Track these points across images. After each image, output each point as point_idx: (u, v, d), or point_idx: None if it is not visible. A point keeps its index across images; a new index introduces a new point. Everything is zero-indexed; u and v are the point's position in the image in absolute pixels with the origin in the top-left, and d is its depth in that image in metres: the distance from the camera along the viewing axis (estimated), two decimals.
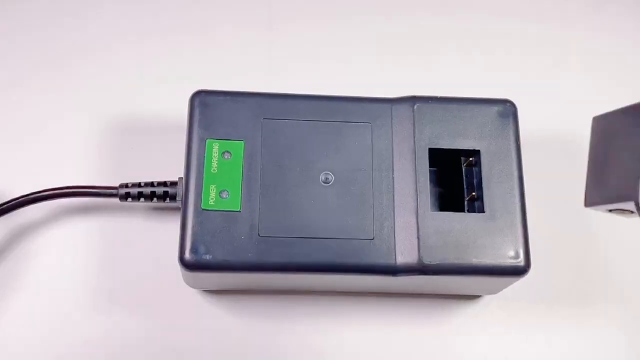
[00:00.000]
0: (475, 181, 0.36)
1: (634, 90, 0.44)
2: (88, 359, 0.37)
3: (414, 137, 0.36)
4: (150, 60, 0.43)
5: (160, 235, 0.39)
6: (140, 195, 0.37)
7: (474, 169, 0.36)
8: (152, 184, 0.37)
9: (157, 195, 0.37)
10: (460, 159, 0.37)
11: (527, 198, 0.35)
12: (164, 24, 0.44)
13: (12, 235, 0.39)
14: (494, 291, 0.38)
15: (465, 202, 0.36)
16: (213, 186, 0.34)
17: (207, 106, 0.36)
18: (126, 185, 0.37)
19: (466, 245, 0.34)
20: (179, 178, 0.36)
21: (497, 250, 0.34)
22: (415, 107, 0.36)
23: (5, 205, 0.37)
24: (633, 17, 0.46)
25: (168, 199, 0.37)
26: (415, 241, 0.34)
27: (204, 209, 0.34)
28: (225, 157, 0.35)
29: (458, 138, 0.36)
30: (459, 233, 0.34)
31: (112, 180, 0.38)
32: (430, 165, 0.36)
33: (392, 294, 0.39)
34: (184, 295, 0.38)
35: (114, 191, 0.37)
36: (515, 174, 0.36)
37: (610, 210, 0.26)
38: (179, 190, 0.36)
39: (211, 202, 0.34)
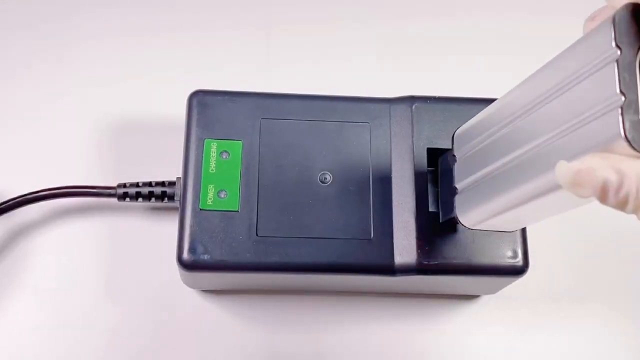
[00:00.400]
0: None
1: None
2: (87, 357, 0.37)
3: (413, 137, 0.36)
4: (149, 61, 0.43)
5: (158, 235, 0.39)
6: (138, 195, 0.37)
7: None
8: (150, 184, 0.37)
9: (155, 195, 0.37)
10: None
11: None
12: (162, 24, 0.44)
13: (10, 235, 0.39)
14: (492, 291, 0.38)
15: None
16: (211, 186, 0.34)
17: (205, 106, 0.36)
18: (124, 185, 0.37)
19: (464, 245, 0.34)
20: (177, 178, 0.36)
21: (495, 250, 0.34)
22: (413, 107, 0.36)
23: (4, 205, 0.37)
24: None
25: (166, 198, 0.37)
26: (414, 241, 0.34)
27: (202, 209, 0.34)
28: (224, 157, 0.35)
29: None
30: (458, 233, 0.34)
31: (110, 180, 0.38)
32: (429, 165, 0.35)
33: (391, 294, 0.39)
34: (182, 295, 0.38)
35: (112, 191, 0.37)
36: None
37: None
38: (177, 190, 0.36)
39: (209, 202, 0.34)
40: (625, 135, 0.20)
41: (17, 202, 0.37)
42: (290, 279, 0.35)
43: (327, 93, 0.37)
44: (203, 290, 0.38)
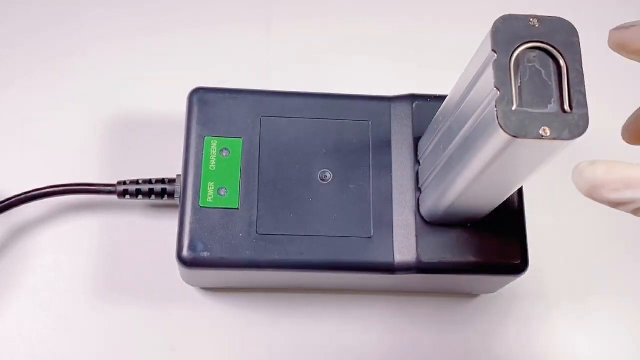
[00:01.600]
0: None
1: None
2: (87, 356, 0.37)
3: (413, 135, 0.36)
4: (149, 58, 0.43)
5: (158, 232, 0.38)
6: (138, 193, 0.37)
7: None
8: (150, 182, 0.37)
9: (155, 192, 0.37)
10: None
11: (525, 196, 0.35)
12: (163, 21, 0.44)
13: (10, 234, 0.39)
14: (491, 290, 0.38)
15: None
16: (211, 183, 0.34)
17: (205, 103, 0.36)
18: (124, 183, 0.37)
19: (464, 243, 0.34)
20: (177, 175, 0.36)
21: (495, 249, 0.34)
22: (414, 105, 0.36)
23: (4, 204, 0.37)
24: None
25: (166, 196, 0.37)
26: (414, 239, 0.34)
27: (202, 207, 0.34)
28: (224, 154, 0.35)
29: None
30: (457, 231, 0.34)
31: (111, 178, 0.38)
32: None
33: (390, 292, 0.39)
34: (182, 292, 0.38)
35: (112, 189, 0.37)
36: None
37: None
38: (177, 187, 0.36)
39: (209, 199, 0.34)
40: (499, 122, 0.24)
41: (16, 200, 0.37)
42: (290, 276, 0.35)
43: (328, 91, 0.37)
44: (203, 288, 0.38)
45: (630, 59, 0.26)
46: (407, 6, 0.46)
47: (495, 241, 0.34)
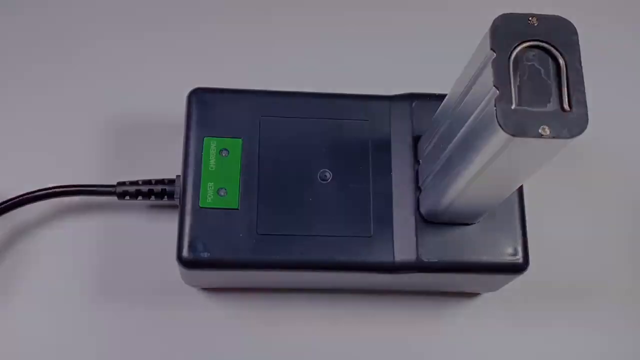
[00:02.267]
0: None
1: None
2: (87, 357, 0.37)
3: (413, 134, 0.36)
4: (148, 59, 0.43)
5: (158, 233, 0.38)
6: (138, 194, 0.37)
7: None
8: (149, 182, 0.37)
9: (155, 193, 0.37)
10: None
11: (525, 195, 0.35)
12: (162, 22, 0.44)
13: (10, 235, 0.39)
14: (492, 289, 0.38)
15: None
16: (211, 184, 0.34)
17: (204, 104, 0.36)
18: (124, 184, 0.37)
19: (464, 242, 0.34)
20: (177, 176, 0.36)
21: (495, 248, 0.34)
22: (413, 104, 0.36)
23: (4, 205, 0.37)
24: None
25: (166, 197, 0.37)
26: (414, 238, 0.34)
27: (201, 207, 0.34)
28: (223, 154, 0.35)
29: None
30: (458, 230, 0.34)
31: (110, 179, 0.38)
32: None
33: (391, 292, 0.39)
34: (182, 293, 0.38)
35: (111, 189, 0.37)
36: None
37: None
38: (177, 188, 0.36)
39: (209, 199, 0.34)
40: (498, 121, 0.24)
41: (16, 202, 0.37)
42: (290, 276, 0.35)
43: (327, 91, 0.37)
44: (203, 289, 0.38)
45: None
46: (406, 5, 0.46)
47: (495, 240, 0.34)
